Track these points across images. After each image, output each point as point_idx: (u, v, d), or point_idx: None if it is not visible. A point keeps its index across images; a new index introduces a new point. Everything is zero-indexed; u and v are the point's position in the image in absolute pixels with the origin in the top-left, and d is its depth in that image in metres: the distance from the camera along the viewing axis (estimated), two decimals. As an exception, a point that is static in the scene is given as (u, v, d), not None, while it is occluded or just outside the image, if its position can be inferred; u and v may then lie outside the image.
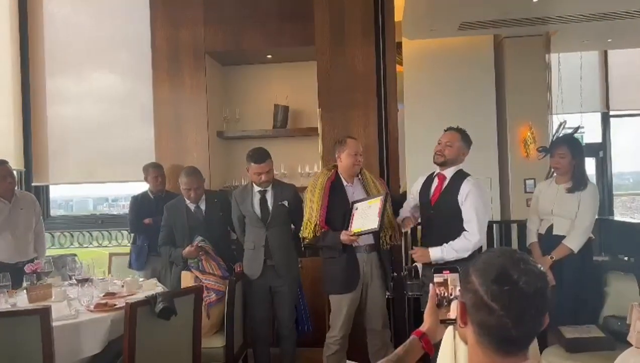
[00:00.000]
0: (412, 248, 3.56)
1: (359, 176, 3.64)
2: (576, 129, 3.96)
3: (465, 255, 3.18)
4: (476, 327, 1.20)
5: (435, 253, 3.24)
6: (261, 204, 3.75)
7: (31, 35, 5.84)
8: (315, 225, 3.48)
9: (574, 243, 3.40)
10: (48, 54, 5.82)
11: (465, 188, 3.24)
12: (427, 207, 3.42)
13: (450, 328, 1.54)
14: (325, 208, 3.48)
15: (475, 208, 3.21)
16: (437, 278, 1.48)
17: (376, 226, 3.28)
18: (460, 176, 3.31)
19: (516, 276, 1.15)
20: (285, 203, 3.75)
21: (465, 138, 3.35)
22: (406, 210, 3.59)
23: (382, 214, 3.29)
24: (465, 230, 3.21)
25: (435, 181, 3.39)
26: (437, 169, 3.40)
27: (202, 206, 4.03)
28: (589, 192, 3.46)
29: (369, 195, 3.52)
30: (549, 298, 1.17)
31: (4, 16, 5.65)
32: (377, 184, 3.63)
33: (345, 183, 3.59)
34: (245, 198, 3.79)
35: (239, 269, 3.89)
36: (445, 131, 3.40)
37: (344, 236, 3.38)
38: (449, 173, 3.34)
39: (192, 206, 4.02)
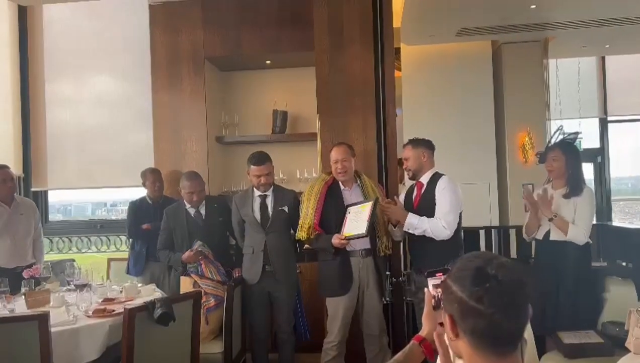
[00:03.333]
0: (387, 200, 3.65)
1: (358, 182, 3.65)
2: (574, 134, 3.95)
3: (436, 238, 3.36)
4: (469, 335, 1.18)
5: (412, 218, 3.40)
6: (261, 209, 3.75)
7: (30, 40, 5.85)
8: (309, 227, 3.51)
9: (572, 230, 3.37)
10: (47, 58, 5.84)
11: (441, 184, 3.44)
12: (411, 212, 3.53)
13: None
14: (319, 210, 3.52)
15: (450, 202, 3.38)
16: (433, 281, 1.48)
17: (364, 232, 3.31)
18: (436, 177, 3.50)
19: (493, 272, 1.16)
20: (285, 208, 3.75)
21: (416, 145, 3.56)
22: None
23: (370, 219, 3.33)
24: (437, 214, 3.38)
25: (415, 189, 3.58)
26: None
27: (202, 211, 4.03)
28: (585, 197, 3.45)
29: (367, 200, 3.53)
30: (531, 287, 1.19)
31: (3, 20, 5.66)
32: (377, 191, 3.66)
33: (342, 187, 3.61)
34: (245, 202, 3.80)
35: (237, 274, 3.89)
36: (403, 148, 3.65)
37: (335, 239, 3.41)
38: (425, 178, 3.53)
39: (192, 211, 4.02)
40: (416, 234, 3.43)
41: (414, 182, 3.61)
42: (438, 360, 1.62)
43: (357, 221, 3.39)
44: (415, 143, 3.57)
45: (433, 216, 3.40)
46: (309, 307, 4.03)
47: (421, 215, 3.43)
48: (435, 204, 3.41)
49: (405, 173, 3.66)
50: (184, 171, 4.41)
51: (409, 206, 3.54)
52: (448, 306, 1.23)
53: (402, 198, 3.67)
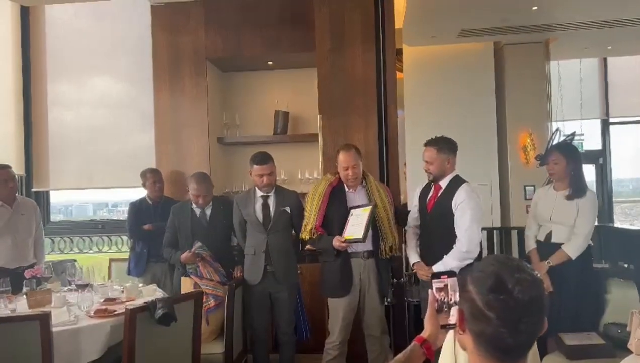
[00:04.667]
0: (412, 267, 3.58)
1: (363, 183, 3.64)
2: (571, 135, 3.96)
3: (470, 261, 3.23)
4: (474, 335, 1.20)
5: (438, 267, 3.27)
6: (263, 209, 3.75)
7: (33, 41, 5.86)
8: (311, 228, 3.51)
9: (572, 249, 3.40)
10: (49, 59, 5.84)
11: (460, 195, 3.33)
12: (424, 214, 3.51)
13: (450, 334, 1.54)
14: (322, 212, 3.51)
15: (471, 217, 3.28)
16: (436, 284, 1.48)
17: (360, 237, 3.30)
18: (456, 183, 3.40)
19: (511, 285, 1.15)
20: (287, 209, 3.75)
21: (442, 149, 3.40)
22: (412, 221, 3.61)
23: (369, 225, 3.32)
24: (458, 237, 3.28)
25: (432, 190, 3.50)
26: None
27: (208, 211, 4.02)
28: (588, 199, 3.46)
29: (371, 202, 3.53)
30: (546, 305, 1.18)
31: (5, 21, 5.67)
32: (382, 192, 3.62)
33: (347, 189, 3.60)
34: (247, 203, 3.79)
35: (239, 273, 3.88)
36: (424, 145, 3.46)
37: (335, 241, 3.41)
38: (444, 182, 3.44)
39: (197, 211, 4.01)
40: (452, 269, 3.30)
41: (432, 181, 3.51)
42: (441, 357, 1.61)
43: (357, 225, 3.38)
44: (440, 147, 3.39)
45: (444, 221, 3.34)
46: (310, 308, 4.03)
47: (434, 219, 3.39)
48: (450, 209, 3.33)
49: (427, 174, 3.50)
50: (185, 171, 4.41)
51: (423, 208, 3.49)
52: (462, 302, 1.24)
53: (415, 195, 3.62)
